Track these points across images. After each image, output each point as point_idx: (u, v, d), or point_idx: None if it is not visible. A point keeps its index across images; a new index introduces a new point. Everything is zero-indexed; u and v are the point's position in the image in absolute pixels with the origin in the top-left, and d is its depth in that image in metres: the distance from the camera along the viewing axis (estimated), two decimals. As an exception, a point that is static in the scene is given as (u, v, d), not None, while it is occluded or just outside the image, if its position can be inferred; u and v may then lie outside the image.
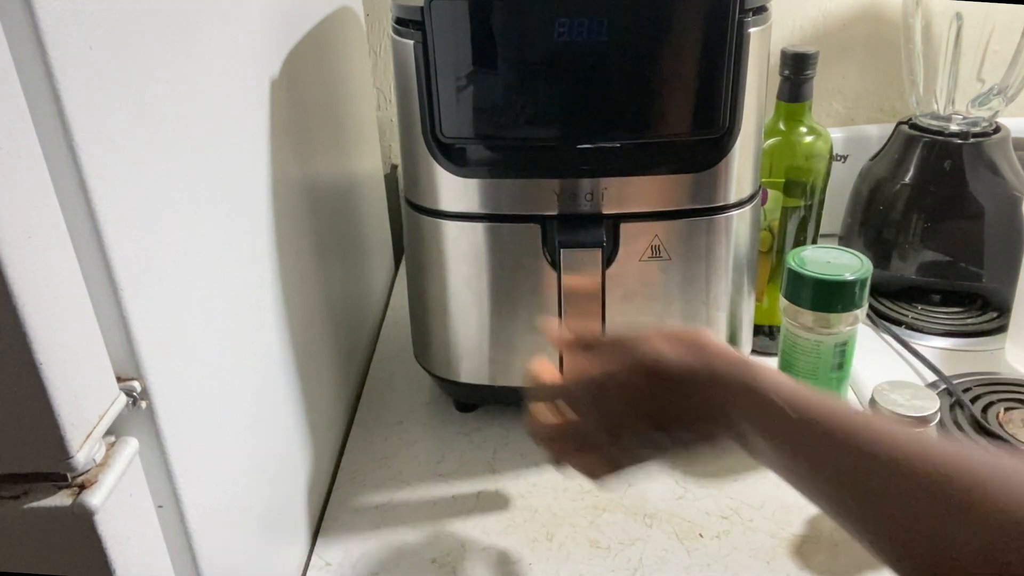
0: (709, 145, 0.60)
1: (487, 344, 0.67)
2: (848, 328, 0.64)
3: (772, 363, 0.71)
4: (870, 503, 0.37)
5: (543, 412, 0.50)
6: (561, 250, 0.59)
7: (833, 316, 0.63)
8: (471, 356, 0.68)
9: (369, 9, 0.97)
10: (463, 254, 0.64)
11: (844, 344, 0.65)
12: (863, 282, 0.63)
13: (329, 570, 0.59)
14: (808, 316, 0.64)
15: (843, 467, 0.38)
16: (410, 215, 0.66)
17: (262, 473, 0.52)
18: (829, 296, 0.63)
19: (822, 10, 0.99)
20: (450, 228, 0.63)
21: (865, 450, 0.37)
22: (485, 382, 0.69)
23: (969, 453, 0.35)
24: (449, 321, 0.67)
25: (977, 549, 0.33)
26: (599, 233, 0.60)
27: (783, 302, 0.66)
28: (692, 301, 0.65)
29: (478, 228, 0.63)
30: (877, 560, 0.37)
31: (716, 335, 0.47)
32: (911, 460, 0.36)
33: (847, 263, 0.64)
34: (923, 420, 0.56)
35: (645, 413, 0.46)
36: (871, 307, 0.85)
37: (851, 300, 0.63)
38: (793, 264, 0.64)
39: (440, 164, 0.61)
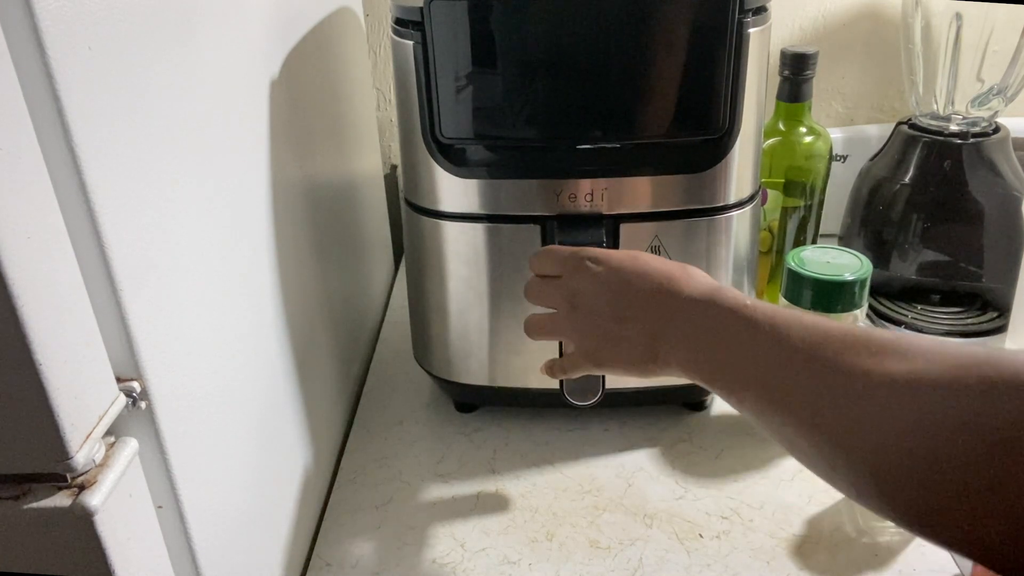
0: (709, 145, 0.60)
1: (487, 345, 0.67)
2: (848, 328, 0.65)
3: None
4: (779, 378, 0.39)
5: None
6: None
7: (833, 316, 0.63)
8: (471, 357, 0.68)
9: (369, 9, 0.97)
10: (463, 255, 0.64)
11: (844, 344, 0.65)
12: (863, 282, 0.63)
13: (329, 570, 0.59)
14: (808, 316, 0.64)
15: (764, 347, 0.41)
16: (410, 216, 0.66)
17: (262, 473, 0.52)
18: (829, 296, 0.63)
19: (822, 10, 0.99)
20: (450, 229, 0.63)
21: (783, 333, 0.40)
22: (485, 383, 0.69)
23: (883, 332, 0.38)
24: (449, 322, 0.67)
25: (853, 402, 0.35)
26: (599, 233, 0.60)
27: (783, 302, 0.66)
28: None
29: (478, 229, 0.63)
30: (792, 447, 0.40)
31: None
32: (814, 337, 0.39)
33: (847, 263, 0.64)
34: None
35: (607, 299, 0.49)
36: (871, 307, 0.85)
37: (851, 300, 0.63)
38: (793, 264, 0.64)
39: (440, 164, 0.61)
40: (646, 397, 0.71)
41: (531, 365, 0.67)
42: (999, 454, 0.30)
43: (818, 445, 0.38)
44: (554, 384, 0.62)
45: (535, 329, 0.55)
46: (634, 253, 0.51)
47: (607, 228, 0.61)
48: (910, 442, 0.33)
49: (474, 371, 0.69)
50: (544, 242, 0.62)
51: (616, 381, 0.65)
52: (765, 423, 0.41)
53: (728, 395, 0.43)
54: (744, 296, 0.45)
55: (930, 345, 0.35)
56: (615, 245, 0.62)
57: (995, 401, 0.31)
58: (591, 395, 0.61)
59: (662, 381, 0.67)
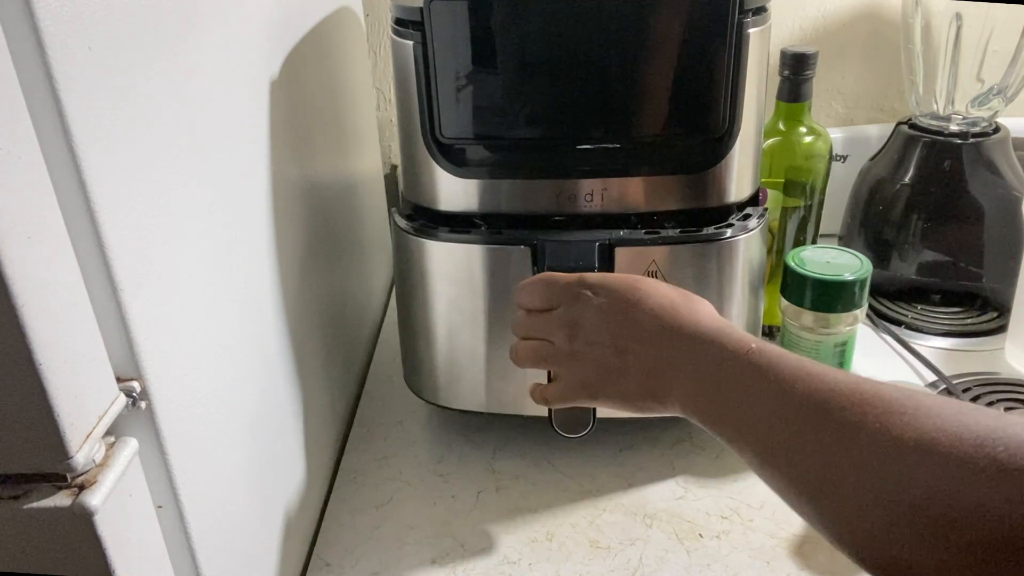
0: (708, 146, 0.60)
1: (480, 369, 0.65)
2: (848, 328, 0.65)
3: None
4: (773, 433, 0.38)
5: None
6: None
7: (833, 316, 0.63)
8: (461, 382, 0.66)
9: (369, 9, 0.97)
10: (453, 276, 0.62)
11: (844, 344, 0.65)
12: (863, 282, 0.63)
13: (329, 570, 0.59)
14: (808, 316, 0.64)
15: (760, 398, 0.39)
16: (400, 237, 0.64)
17: (262, 473, 0.52)
18: (829, 296, 0.63)
19: (822, 10, 0.99)
20: (439, 250, 0.62)
21: (785, 386, 0.39)
22: (480, 408, 0.67)
23: (881, 389, 0.36)
24: (437, 345, 0.65)
25: (856, 470, 0.34)
26: (590, 258, 0.59)
27: (783, 302, 0.66)
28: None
29: (471, 250, 0.61)
30: (784, 500, 0.39)
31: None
32: (816, 391, 0.37)
33: (847, 263, 0.64)
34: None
35: (608, 329, 0.47)
36: (871, 307, 0.85)
37: (851, 300, 0.63)
38: (793, 264, 0.64)
39: (440, 164, 0.61)
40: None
41: (522, 391, 0.64)
42: (1007, 550, 0.29)
43: (820, 506, 0.36)
44: (545, 410, 0.61)
45: (525, 358, 0.53)
46: (634, 279, 0.49)
47: (602, 252, 0.59)
48: (918, 520, 0.32)
49: (466, 397, 0.67)
50: (535, 264, 0.60)
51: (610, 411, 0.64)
52: (765, 476, 0.40)
53: (727, 441, 0.42)
54: (749, 338, 0.43)
55: (940, 408, 0.33)
56: (610, 265, 0.60)
57: (1005, 490, 0.30)
58: (581, 427, 0.60)
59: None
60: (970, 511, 0.30)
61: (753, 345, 0.42)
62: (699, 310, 0.46)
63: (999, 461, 0.30)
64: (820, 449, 0.36)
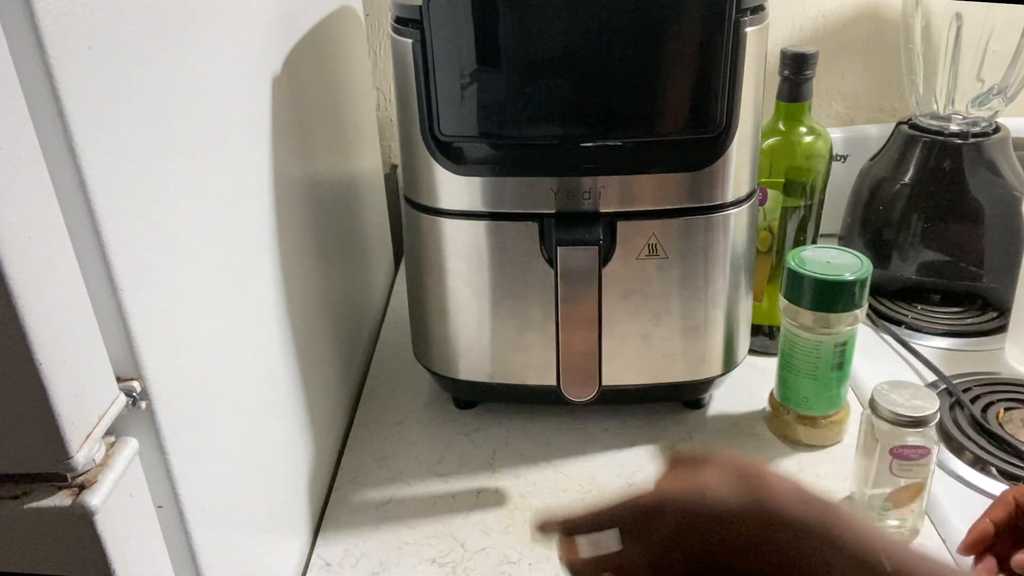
0: (706, 144, 0.60)
1: (486, 341, 0.67)
2: (848, 328, 0.65)
3: (772, 363, 0.71)
4: None
5: (576, 545, 0.43)
6: (558, 248, 0.59)
7: (833, 316, 0.63)
8: (470, 353, 0.68)
9: (369, 9, 0.97)
10: (462, 252, 0.64)
11: (844, 344, 0.65)
12: (863, 282, 0.63)
13: (329, 570, 0.59)
14: (808, 316, 0.64)
15: None
16: (409, 213, 0.66)
17: (262, 473, 0.52)
18: (829, 296, 0.63)
19: (822, 10, 0.99)
20: (449, 226, 0.63)
21: None
22: (484, 379, 0.69)
23: None
24: (448, 319, 0.67)
25: None
26: (596, 231, 0.60)
27: (783, 302, 0.66)
28: (690, 300, 0.65)
29: (477, 226, 0.63)
30: None
31: (771, 467, 0.41)
32: None
33: (847, 263, 0.64)
34: (923, 420, 0.56)
35: (698, 552, 0.39)
36: (871, 307, 0.85)
37: (851, 300, 0.63)
38: (793, 264, 0.64)
39: (438, 162, 0.61)
40: (645, 395, 0.71)
41: (529, 362, 0.67)
42: None
43: None
44: (551, 380, 0.62)
45: None
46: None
47: (604, 226, 0.61)
48: None
49: (473, 367, 0.69)
50: (542, 239, 0.62)
51: (614, 378, 0.65)
52: None
53: None
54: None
55: None
56: (612, 242, 0.62)
57: None
58: (588, 390, 0.61)
59: (661, 378, 0.68)
60: None
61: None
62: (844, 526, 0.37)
63: None
64: None
